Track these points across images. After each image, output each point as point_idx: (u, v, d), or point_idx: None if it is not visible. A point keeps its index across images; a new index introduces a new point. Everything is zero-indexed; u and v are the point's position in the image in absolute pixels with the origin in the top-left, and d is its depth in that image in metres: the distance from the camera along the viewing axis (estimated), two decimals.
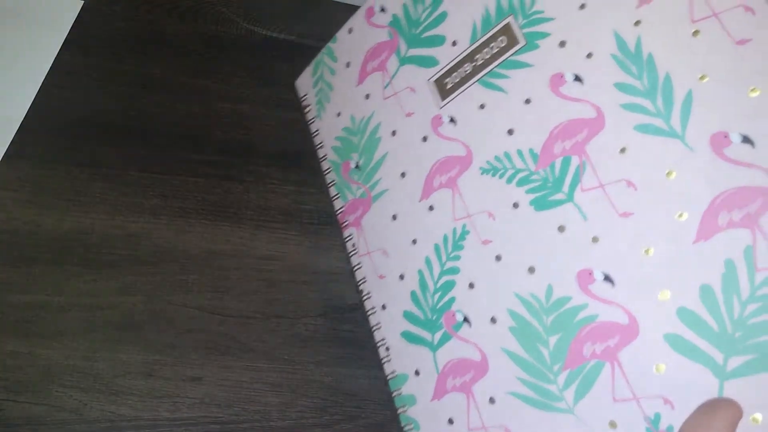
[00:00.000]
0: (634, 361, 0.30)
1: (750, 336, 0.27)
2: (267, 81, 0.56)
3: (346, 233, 0.45)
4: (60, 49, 0.53)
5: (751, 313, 0.27)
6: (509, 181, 0.36)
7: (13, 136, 0.48)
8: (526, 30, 0.36)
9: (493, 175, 0.37)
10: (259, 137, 0.53)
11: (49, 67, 0.52)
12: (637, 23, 0.32)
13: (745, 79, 0.28)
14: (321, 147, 0.49)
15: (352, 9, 0.46)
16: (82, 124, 0.50)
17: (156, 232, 0.46)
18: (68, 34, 0.54)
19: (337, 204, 0.47)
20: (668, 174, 0.30)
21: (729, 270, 0.28)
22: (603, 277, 0.31)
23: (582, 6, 0.34)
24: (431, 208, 0.39)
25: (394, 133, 0.42)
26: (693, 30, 0.30)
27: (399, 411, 0.39)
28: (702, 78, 0.29)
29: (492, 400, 0.35)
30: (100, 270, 0.44)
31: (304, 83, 0.52)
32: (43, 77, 0.51)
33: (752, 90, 0.28)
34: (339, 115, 0.47)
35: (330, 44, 0.49)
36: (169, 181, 0.49)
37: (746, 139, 0.28)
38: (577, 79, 0.34)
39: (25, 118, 0.49)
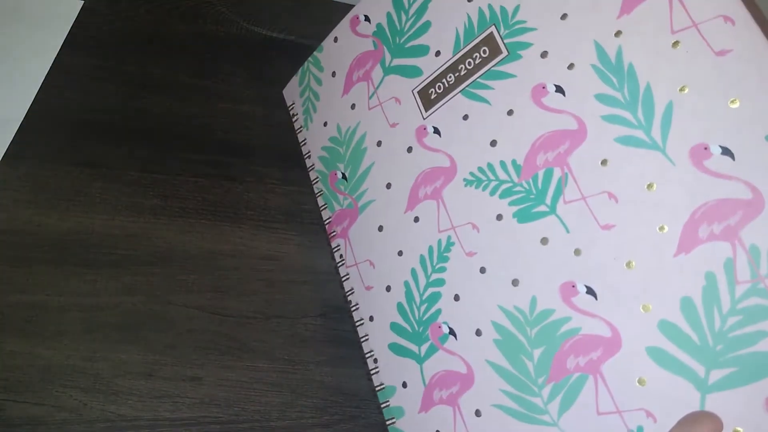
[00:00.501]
0: (617, 374, 0.30)
1: (731, 349, 0.27)
2: (267, 81, 0.56)
3: (333, 244, 0.46)
4: (60, 49, 0.53)
5: (731, 326, 0.27)
6: (492, 192, 0.36)
7: (13, 136, 0.48)
8: (508, 40, 0.36)
9: (477, 186, 0.37)
10: (260, 137, 0.53)
11: (49, 67, 0.52)
12: (617, 34, 0.32)
13: (726, 90, 0.28)
14: (308, 157, 0.49)
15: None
16: (82, 124, 0.50)
17: (156, 232, 0.46)
18: (68, 34, 0.54)
19: (325, 214, 0.47)
20: (649, 186, 0.30)
21: (710, 283, 0.28)
22: (585, 290, 0.32)
23: (563, 16, 0.34)
24: (416, 219, 0.40)
25: (379, 143, 0.43)
26: (673, 41, 0.30)
27: (388, 423, 0.39)
28: (682, 89, 0.30)
29: (478, 413, 0.35)
30: (100, 270, 0.44)
31: (291, 92, 0.52)
32: (43, 77, 0.51)
33: (732, 101, 0.28)
34: (325, 124, 0.47)
35: (316, 53, 0.49)
36: (169, 181, 0.49)
37: (726, 151, 0.28)
38: (559, 90, 0.34)
39: (25, 118, 0.49)
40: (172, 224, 0.47)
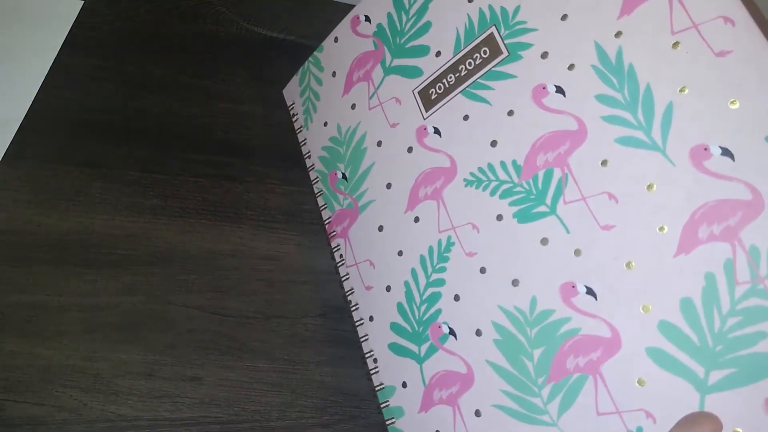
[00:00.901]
0: (617, 375, 0.30)
1: (730, 350, 0.27)
2: (267, 81, 0.56)
3: (333, 244, 0.46)
4: (60, 49, 0.53)
5: (731, 327, 0.27)
6: (493, 193, 0.36)
7: (13, 136, 0.48)
8: (508, 41, 0.36)
9: (477, 187, 0.37)
10: (260, 137, 0.53)
11: (49, 67, 0.52)
12: (618, 34, 0.32)
13: (725, 91, 0.28)
14: (308, 157, 0.49)
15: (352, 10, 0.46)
16: (82, 124, 0.50)
17: (156, 232, 0.46)
18: (68, 34, 0.54)
19: (325, 214, 0.47)
20: (649, 187, 0.30)
21: (709, 283, 0.28)
22: (585, 290, 0.32)
23: (564, 17, 0.34)
24: (417, 219, 0.40)
25: (379, 143, 0.43)
26: (673, 41, 0.30)
27: (387, 423, 0.39)
28: (682, 90, 0.30)
29: (478, 413, 0.35)
30: (100, 270, 0.44)
31: (292, 92, 0.52)
32: (43, 77, 0.51)
33: (732, 102, 0.28)
34: (326, 124, 0.47)
35: (316, 53, 0.49)
36: (169, 181, 0.49)
37: (726, 152, 0.28)
38: (559, 90, 0.34)
39: (25, 118, 0.49)
40: (172, 224, 0.47)
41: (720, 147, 0.28)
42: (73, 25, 0.54)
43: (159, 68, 0.54)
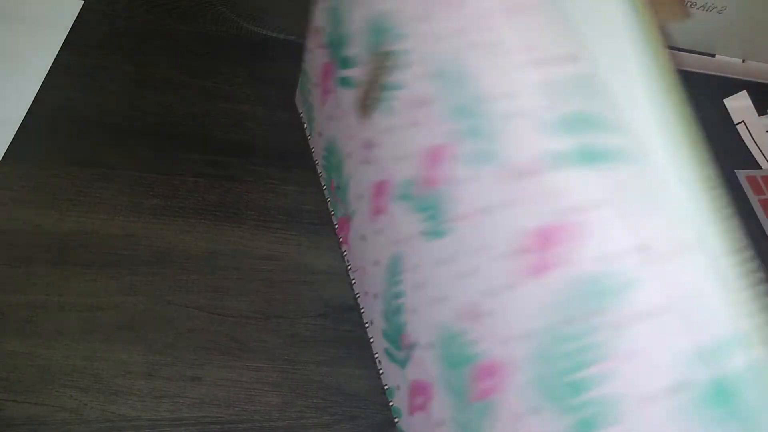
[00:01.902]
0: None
1: None
2: (267, 81, 0.56)
3: (342, 248, 0.46)
4: (60, 49, 0.53)
5: None
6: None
7: (13, 136, 0.48)
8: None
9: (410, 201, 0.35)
10: (260, 137, 0.53)
11: (49, 67, 0.52)
12: None
13: None
14: (318, 164, 0.49)
15: None
16: (82, 124, 0.50)
17: (156, 232, 0.46)
18: (68, 34, 0.54)
19: (334, 219, 0.47)
20: None
21: None
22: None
23: None
24: (380, 231, 0.39)
25: (349, 155, 0.42)
26: None
27: (395, 421, 0.40)
28: None
29: (442, 422, 0.33)
30: (100, 270, 0.44)
31: (298, 99, 0.52)
32: (43, 77, 0.51)
33: None
34: (320, 134, 0.47)
35: (304, 63, 0.48)
36: (169, 181, 0.49)
37: None
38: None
39: (25, 118, 0.49)
40: (172, 224, 0.47)
41: None
42: (73, 25, 0.54)
43: (159, 68, 0.54)
